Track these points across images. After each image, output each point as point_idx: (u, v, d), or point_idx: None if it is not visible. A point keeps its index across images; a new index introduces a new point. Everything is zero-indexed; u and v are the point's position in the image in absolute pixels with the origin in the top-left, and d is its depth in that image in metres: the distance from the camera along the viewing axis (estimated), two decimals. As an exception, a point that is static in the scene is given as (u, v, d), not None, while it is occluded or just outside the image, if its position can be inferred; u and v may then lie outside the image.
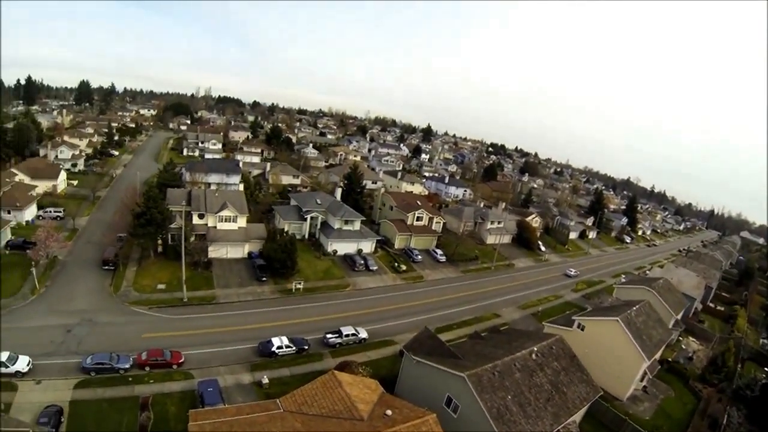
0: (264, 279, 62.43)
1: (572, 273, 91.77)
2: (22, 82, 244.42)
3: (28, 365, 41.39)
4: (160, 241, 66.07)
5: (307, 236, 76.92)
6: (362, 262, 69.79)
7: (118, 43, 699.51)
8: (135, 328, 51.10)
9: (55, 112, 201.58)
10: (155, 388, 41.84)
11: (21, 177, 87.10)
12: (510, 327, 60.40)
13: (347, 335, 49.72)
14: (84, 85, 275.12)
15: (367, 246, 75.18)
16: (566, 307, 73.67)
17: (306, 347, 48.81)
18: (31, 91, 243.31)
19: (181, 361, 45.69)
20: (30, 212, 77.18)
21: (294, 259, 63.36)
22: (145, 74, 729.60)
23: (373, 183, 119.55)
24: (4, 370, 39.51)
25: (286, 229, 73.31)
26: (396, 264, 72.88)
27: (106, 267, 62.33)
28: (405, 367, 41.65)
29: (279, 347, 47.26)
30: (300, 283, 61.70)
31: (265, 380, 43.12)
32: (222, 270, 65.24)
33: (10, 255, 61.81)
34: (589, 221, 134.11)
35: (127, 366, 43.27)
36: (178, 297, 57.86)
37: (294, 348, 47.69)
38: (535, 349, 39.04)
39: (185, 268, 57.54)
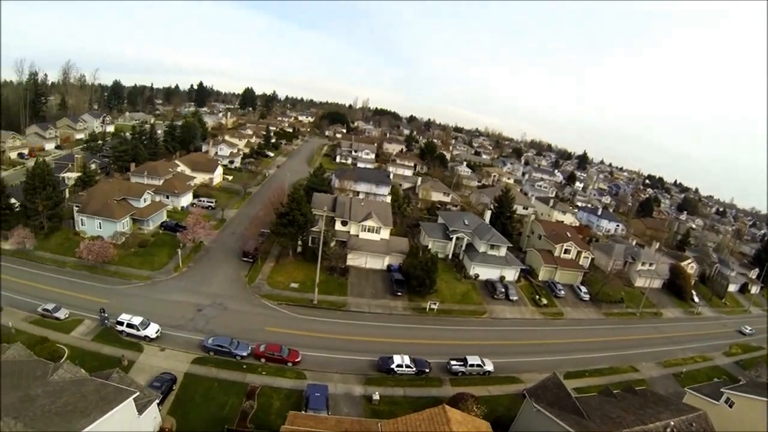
0: (399, 294, 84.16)
1: (748, 331, 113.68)
2: (195, 87, 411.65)
3: (156, 332, 63.50)
4: (300, 242, 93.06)
5: (450, 256, 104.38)
6: (503, 290, 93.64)
7: (283, 57, 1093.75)
8: (261, 320, 71.52)
9: (220, 114, 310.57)
10: (266, 380, 57.35)
11: (182, 168, 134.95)
12: (647, 387, 71.07)
13: (472, 365, 65.11)
14: (248, 92, 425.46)
15: (510, 274, 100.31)
16: (714, 373, 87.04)
17: (427, 370, 63.82)
18: (201, 94, 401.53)
19: (297, 360, 61.40)
20: (186, 199, 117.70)
21: (433, 278, 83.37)
22: (306, 85, 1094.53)
23: (524, 208, 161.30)
24: (135, 332, 62.56)
25: (429, 247, 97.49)
26: (537, 297, 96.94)
27: (246, 259, 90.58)
28: (524, 412, 51.84)
29: (399, 365, 62.06)
30: (435, 304, 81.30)
31: (376, 396, 56.13)
32: (358, 279, 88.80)
33: (162, 234, 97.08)
34: (753, 273, 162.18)
35: (245, 354, 60.97)
36: (308, 298, 78.77)
37: (414, 369, 62.42)
38: (672, 423, 46.54)
39: (321, 271, 79.68)
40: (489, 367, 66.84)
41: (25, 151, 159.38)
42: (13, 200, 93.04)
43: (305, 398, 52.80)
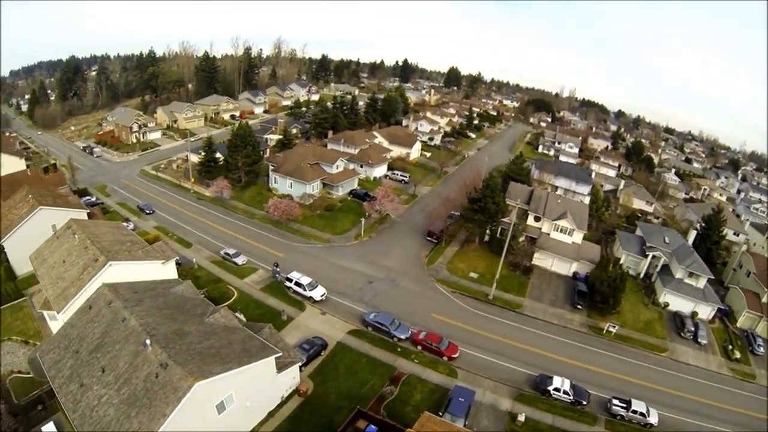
0: (579, 307, 76.71)
1: None
2: (400, 63, 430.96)
3: (322, 296, 66.53)
4: (488, 231, 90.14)
5: (642, 275, 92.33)
6: (692, 328, 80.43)
7: (488, 39, 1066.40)
8: (429, 304, 69.97)
9: (423, 91, 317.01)
10: (415, 369, 55.55)
11: (380, 140, 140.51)
12: None
13: (635, 411, 56.64)
14: (453, 71, 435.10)
15: (705, 311, 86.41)
16: None
17: (584, 402, 56.04)
18: (406, 71, 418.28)
19: (454, 355, 58.14)
20: (379, 171, 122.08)
21: (618, 297, 74.38)
22: (510, 69, 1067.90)
23: (734, 234, 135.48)
24: (302, 291, 66.51)
25: (621, 261, 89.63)
26: (730, 347, 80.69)
27: (430, 239, 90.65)
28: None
29: (556, 389, 55.59)
30: (614, 327, 71.72)
31: (522, 417, 50.89)
32: (539, 281, 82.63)
33: (350, 201, 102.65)
34: None
35: (403, 337, 59.90)
36: (484, 292, 74.95)
37: (571, 397, 55.48)
38: None
39: (503, 266, 75.48)
40: (653, 419, 57.03)
41: (237, 114, 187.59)
42: (218, 154, 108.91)
43: (447, 399, 50.14)
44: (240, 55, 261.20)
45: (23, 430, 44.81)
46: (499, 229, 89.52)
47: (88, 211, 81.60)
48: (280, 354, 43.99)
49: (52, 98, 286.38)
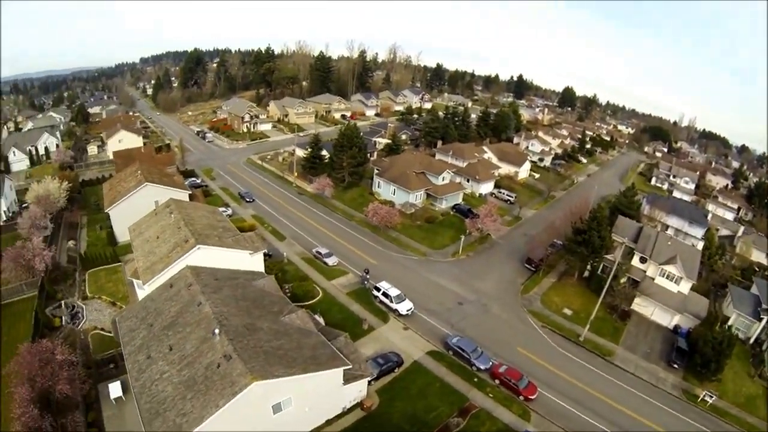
0: (676, 366, 68.16)
1: None
2: (515, 78, 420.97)
3: (408, 310, 64.62)
4: (588, 266, 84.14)
5: (752, 341, 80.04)
6: None
7: (600, 59, 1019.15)
8: (516, 336, 65.95)
9: (537, 109, 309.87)
10: (487, 404, 52.02)
11: (489, 155, 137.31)
12: None
13: None
14: (568, 91, 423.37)
15: None
16: None
17: None
18: (520, 87, 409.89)
19: (532, 397, 53.93)
20: (486, 187, 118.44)
21: (722, 362, 65.19)
22: (622, 89, 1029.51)
23: None
24: (388, 303, 65.06)
25: (731, 321, 78.80)
26: None
27: (528, 266, 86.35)
28: None
29: None
30: (711, 396, 62.21)
31: None
32: (637, 329, 75.09)
33: (452, 216, 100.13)
34: None
35: (482, 367, 56.58)
36: (576, 331, 69.57)
37: None
38: None
39: (600, 306, 69.64)
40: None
41: (348, 114, 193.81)
42: (324, 152, 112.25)
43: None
44: (355, 58, 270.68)
45: (92, 382, 48.85)
46: (601, 265, 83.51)
47: (190, 192, 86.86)
48: (350, 367, 42.83)
49: (175, 85, 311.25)
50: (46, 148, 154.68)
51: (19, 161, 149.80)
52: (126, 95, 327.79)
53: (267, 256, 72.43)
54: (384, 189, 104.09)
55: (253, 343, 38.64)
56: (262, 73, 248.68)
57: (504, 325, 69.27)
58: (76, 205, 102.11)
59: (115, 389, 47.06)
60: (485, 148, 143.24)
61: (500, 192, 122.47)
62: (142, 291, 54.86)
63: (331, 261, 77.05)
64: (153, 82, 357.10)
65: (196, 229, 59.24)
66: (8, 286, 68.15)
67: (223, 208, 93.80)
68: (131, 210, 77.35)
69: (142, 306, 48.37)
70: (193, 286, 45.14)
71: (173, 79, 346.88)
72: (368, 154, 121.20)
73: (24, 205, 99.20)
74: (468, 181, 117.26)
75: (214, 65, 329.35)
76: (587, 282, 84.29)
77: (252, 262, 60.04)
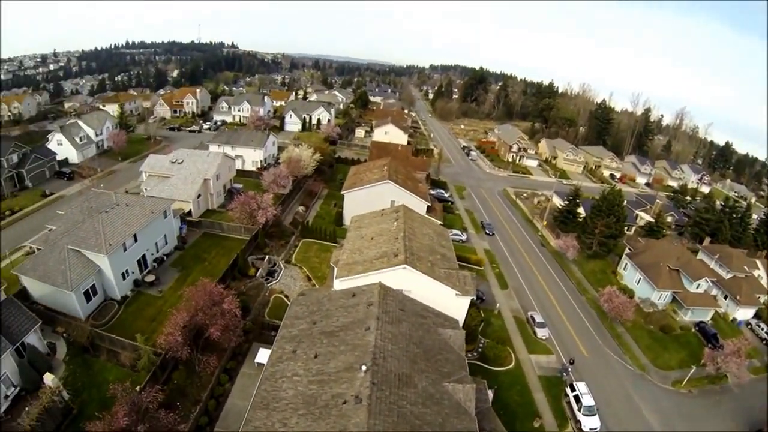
0: None
1: None
2: None
3: (592, 429, 54.66)
4: None
5: None
6: None
7: None
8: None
9: None
10: None
11: (761, 274, 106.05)
12: None
13: None
14: None
15: None
16: None
17: None
18: None
19: None
20: (743, 313, 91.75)
21: None
22: None
23: None
24: (575, 409, 55.87)
25: None
26: None
27: None
28: None
29: None
30: None
31: None
32: None
33: (692, 334, 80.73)
34: None
35: None
36: None
37: None
38: None
39: None
40: None
41: (617, 175, 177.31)
42: (581, 210, 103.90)
43: None
44: (637, 115, 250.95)
45: (246, 340, 55.43)
46: None
47: (428, 204, 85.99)
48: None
49: (455, 96, 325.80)
50: (318, 120, 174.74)
51: (293, 124, 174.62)
52: (408, 94, 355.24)
53: (479, 299, 69.65)
54: (629, 274, 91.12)
55: (394, 398, 34.05)
56: (540, 108, 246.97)
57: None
58: (321, 177, 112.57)
59: (263, 355, 49.95)
60: (759, 263, 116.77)
61: (759, 325, 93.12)
62: (336, 282, 55.19)
63: (542, 333, 69.65)
64: (435, 88, 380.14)
65: (413, 246, 56.51)
66: (230, 223, 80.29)
67: (459, 232, 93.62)
68: (365, 200, 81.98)
69: (317, 299, 48.45)
70: (373, 308, 42.22)
71: (455, 90, 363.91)
72: (625, 228, 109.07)
73: (278, 161, 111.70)
74: (725, 298, 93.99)
75: (496, 87, 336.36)
76: None
77: (454, 304, 53.63)
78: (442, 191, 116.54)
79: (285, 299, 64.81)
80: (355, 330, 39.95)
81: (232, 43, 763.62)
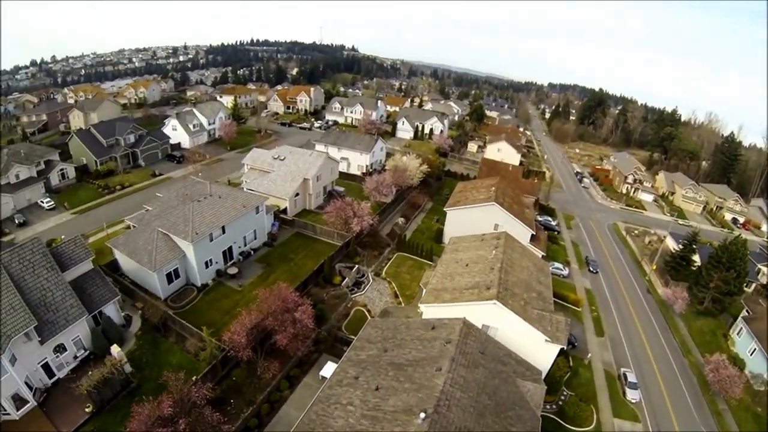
0: None
1: None
2: None
3: None
4: None
5: None
6: None
7: None
8: None
9: None
10: None
11: None
12: None
13: None
14: None
15: None
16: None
17: None
18: None
19: None
20: None
21: None
22: None
23: None
24: None
25: None
26: None
27: None
28: None
29: None
30: None
31: None
32: None
33: None
34: None
35: None
36: None
37: None
38: None
39: None
40: None
41: (741, 220, 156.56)
42: (696, 257, 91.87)
43: None
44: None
45: (316, 350, 53.52)
46: None
47: (533, 233, 79.24)
48: None
49: (572, 117, 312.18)
50: (431, 129, 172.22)
51: (405, 131, 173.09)
52: (525, 111, 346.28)
53: (570, 345, 62.82)
54: (743, 341, 74.97)
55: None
56: (661, 137, 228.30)
57: None
58: (426, 189, 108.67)
59: (328, 369, 47.00)
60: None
61: None
62: (421, 307, 51.90)
63: (632, 395, 59.78)
64: (553, 107, 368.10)
65: (508, 280, 51.31)
66: (324, 227, 79.39)
67: (561, 266, 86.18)
68: (467, 220, 78.48)
69: (395, 324, 44.92)
70: (450, 346, 37.79)
71: (572, 111, 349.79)
72: (746, 284, 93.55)
73: (384, 168, 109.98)
74: None
75: (615, 111, 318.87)
76: None
77: (541, 350, 47.29)
78: (549, 219, 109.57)
79: (367, 313, 62.23)
80: (425, 368, 36.00)
81: (353, 46, 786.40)
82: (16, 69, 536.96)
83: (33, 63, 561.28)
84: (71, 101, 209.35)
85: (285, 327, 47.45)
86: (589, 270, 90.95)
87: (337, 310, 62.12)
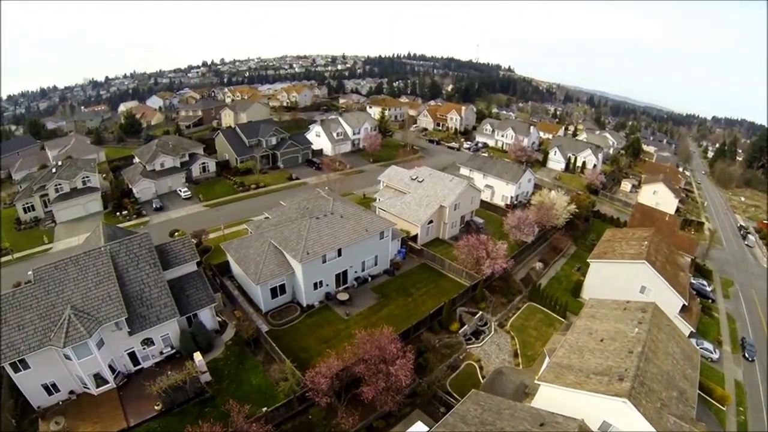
0: None
1: None
2: None
3: None
4: None
5: None
6: None
7: None
8: None
9: None
10: None
11: None
12: None
13: None
14: None
15: None
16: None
17: None
18: None
19: None
20: None
21: None
22: None
23: None
24: None
25: None
26: None
27: None
28: None
29: None
30: None
31: None
32: None
33: None
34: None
35: None
36: None
37: None
38: None
39: None
40: None
41: None
42: None
43: None
44: None
45: (410, 402, 47.04)
46: None
47: (685, 303, 64.61)
48: None
49: (739, 158, 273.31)
50: (584, 163, 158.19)
51: (557, 162, 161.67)
52: (685, 148, 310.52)
53: None
54: None
55: None
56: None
57: None
58: (571, 231, 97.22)
59: (418, 429, 39.51)
60: None
61: None
62: (539, 383, 43.32)
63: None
64: (716, 145, 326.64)
65: (647, 371, 40.41)
66: (453, 263, 71.55)
67: (711, 347, 67.72)
68: (612, 276, 67.98)
69: (499, 407, 36.88)
70: None
71: (739, 151, 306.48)
72: None
73: (530, 202, 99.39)
74: None
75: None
76: None
77: None
78: (704, 283, 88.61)
79: (478, 371, 54.40)
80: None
81: (509, 66, 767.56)
82: (189, 68, 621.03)
83: (204, 63, 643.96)
84: (228, 100, 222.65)
85: (376, 379, 41.85)
86: (744, 356, 71.15)
87: (446, 362, 54.63)
